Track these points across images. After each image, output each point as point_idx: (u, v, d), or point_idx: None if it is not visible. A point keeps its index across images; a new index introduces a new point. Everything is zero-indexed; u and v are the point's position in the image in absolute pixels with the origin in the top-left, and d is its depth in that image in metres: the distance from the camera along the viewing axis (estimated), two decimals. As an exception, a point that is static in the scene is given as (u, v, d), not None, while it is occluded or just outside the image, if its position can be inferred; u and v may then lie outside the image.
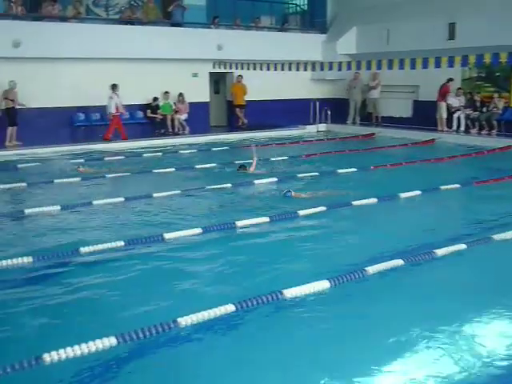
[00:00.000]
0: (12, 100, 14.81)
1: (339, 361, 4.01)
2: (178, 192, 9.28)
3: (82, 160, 12.78)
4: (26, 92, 15.19)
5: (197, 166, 11.75)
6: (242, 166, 11.02)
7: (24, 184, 10.01)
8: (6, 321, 4.73)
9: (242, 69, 18.16)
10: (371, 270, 5.49)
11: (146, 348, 4.21)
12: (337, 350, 4.15)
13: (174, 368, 4.00)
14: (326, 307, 4.87)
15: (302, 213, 7.78)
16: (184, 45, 17.17)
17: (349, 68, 15.58)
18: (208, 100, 19.21)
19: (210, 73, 19.08)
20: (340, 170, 11.28)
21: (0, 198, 9.42)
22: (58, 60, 15.74)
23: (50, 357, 3.86)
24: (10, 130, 14.97)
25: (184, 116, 17.83)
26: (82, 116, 16.65)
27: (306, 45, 19.66)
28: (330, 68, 15.94)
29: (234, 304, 4.67)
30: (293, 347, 4.21)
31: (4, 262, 5.72)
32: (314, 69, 17.49)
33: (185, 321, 4.41)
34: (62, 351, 3.91)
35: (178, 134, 17.53)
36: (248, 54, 18.29)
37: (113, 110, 15.86)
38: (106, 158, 13.27)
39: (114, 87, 15.82)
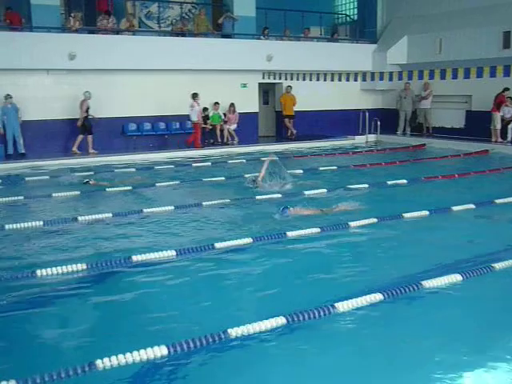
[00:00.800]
0: (87, 110, 15.43)
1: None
2: (228, 201, 9.32)
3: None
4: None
5: (246, 175, 11.78)
6: (254, 181, 10.57)
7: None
8: (59, 326, 4.82)
9: (292, 79, 18.20)
10: (427, 284, 5.37)
11: (194, 357, 4.21)
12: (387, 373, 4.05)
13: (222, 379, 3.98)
14: (377, 321, 4.77)
15: (353, 224, 7.68)
16: (234, 56, 17.32)
17: (400, 78, 15.42)
18: (257, 110, 19.29)
19: (260, 83, 19.18)
20: (390, 182, 11.10)
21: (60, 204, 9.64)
22: (111, 71, 16.12)
23: (103, 363, 3.92)
24: (89, 139, 15.65)
25: (234, 126, 17.95)
26: (134, 126, 16.97)
27: (356, 55, 19.53)
28: (381, 78, 15.81)
29: (285, 317, 4.63)
30: (338, 364, 4.13)
31: (58, 269, 5.84)
32: (364, 79, 17.35)
33: (235, 332, 4.41)
34: (114, 358, 3.96)
35: (227, 144, 17.65)
36: (297, 65, 18.31)
37: (195, 118, 16.35)
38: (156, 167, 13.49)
39: (194, 96, 16.25)
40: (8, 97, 14.82)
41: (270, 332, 4.49)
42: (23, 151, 15.14)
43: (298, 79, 17.90)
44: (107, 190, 10.62)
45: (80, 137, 15.62)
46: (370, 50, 20.07)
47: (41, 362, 4.14)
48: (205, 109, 17.66)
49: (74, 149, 15.54)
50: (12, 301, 5.23)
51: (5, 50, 14.38)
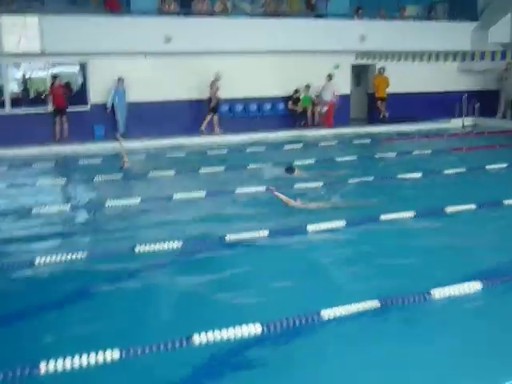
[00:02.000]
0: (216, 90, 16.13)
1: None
2: (322, 184, 9.26)
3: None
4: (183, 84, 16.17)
5: (338, 159, 11.66)
6: (290, 169, 9.96)
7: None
8: (155, 302, 5.01)
9: (386, 60, 17.70)
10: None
11: (287, 338, 4.25)
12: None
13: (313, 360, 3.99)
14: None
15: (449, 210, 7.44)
16: (327, 37, 17.07)
17: (503, 57, 14.60)
18: (349, 92, 18.98)
19: (352, 65, 18.83)
20: (489, 166, 10.62)
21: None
22: (205, 54, 16.38)
23: (200, 338, 4.04)
24: (215, 118, 16.34)
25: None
26: (226, 108, 17.19)
27: (454, 34, 18.65)
28: (482, 58, 15.03)
29: (379, 300, 4.57)
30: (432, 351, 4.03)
31: (155, 246, 6.06)
32: (463, 59, 16.60)
33: (328, 314, 4.41)
34: (210, 334, 4.07)
35: (318, 126, 17.52)
36: (392, 45, 17.78)
37: (329, 98, 16.97)
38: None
39: (329, 77, 17.08)
40: (120, 80, 15.46)
41: (362, 315, 4.45)
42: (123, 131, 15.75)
43: (391, 60, 17.39)
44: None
45: (209, 116, 16.27)
46: (469, 28, 19.11)
47: (142, 334, 4.33)
48: (296, 90, 17.59)
49: (203, 128, 16.16)
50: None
51: (105, 36, 14.97)
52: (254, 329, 4.18)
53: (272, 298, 4.91)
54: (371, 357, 3.94)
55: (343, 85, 18.59)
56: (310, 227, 6.65)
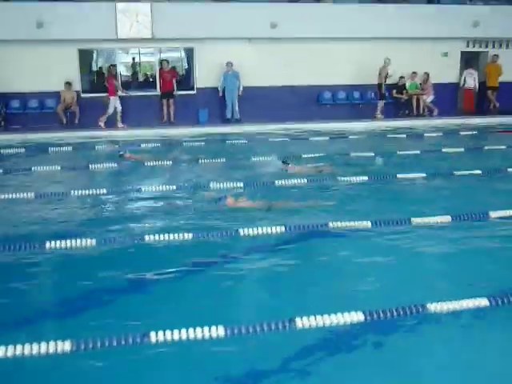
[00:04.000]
0: (386, 77, 16.32)
1: None
2: (423, 175, 9.00)
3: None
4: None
5: (444, 150, 11.26)
6: (285, 162, 9.31)
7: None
8: (260, 284, 5.10)
9: (500, 47, 16.82)
10: None
11: (389, 328, 4.19)
12: None
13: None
14: None
15: None
16: (436, 22, 16.47)
17: None
18: (457, 81, 18.21)
19: (462, 52, 18.04)
20: None
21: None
22: (309, 40, 16.31)
23: (302, 322, 4.07)
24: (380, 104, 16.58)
25: (430, 98, 17.17)
26: (328, 94, 17.07)
27: None
28: None
29: (487, 298, 4.40)
30: None
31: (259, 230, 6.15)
32: None
33: (434, 307, 4.30)
34: (312, 318, 4.09)
35: (423, 116, 16.98)
36: (507, 31, 16.87)
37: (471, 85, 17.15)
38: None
39: (468, 64, 17.04)
40: (229, 64, 15.78)
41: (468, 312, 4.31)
42: (239, 117, 16.07)
43: (506, 47, 16.50)
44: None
45: (381, 102, 16.44)
46: None
47: (246, 314, 4.44)
48: (401, 78, 17.13)
49: (378, 114, 16.42)
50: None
51: (213, 21, 15.29)
52: (356, 317, 4.16)
53: (376, 287, 4.85)
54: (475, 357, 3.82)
55: (451, 73, 17.88)
56: (415, 220, 6.48)
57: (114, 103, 15.15)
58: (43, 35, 14.75)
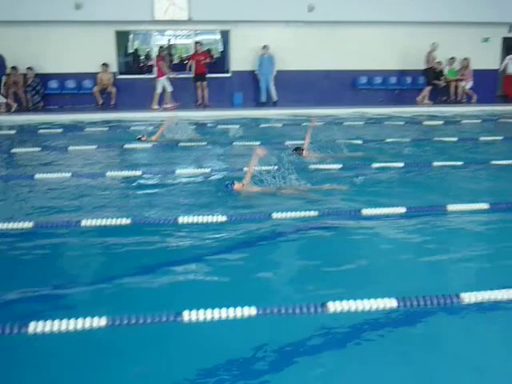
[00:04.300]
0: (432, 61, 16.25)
1: None
2: (461, 163, 8.83)
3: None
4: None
5: (481, 138, 11.03)
6: (298, 149, 8.91)
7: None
8: (290, 267, 5.10)
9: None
10: None
11: (422, 316, 4.15)
12: None
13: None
14: None
15: None
16: (478, 7, 16.08)
17: None
18: (497, 67, 17.78)
19: (504, 38, 17.57)
20: None
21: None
22: (345, 23, 16.11)
23: (334, 306, 4.06)
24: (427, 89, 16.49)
25: (469, 84, 16.81)
26: (364, 79, 16.87)
27: None
28: None
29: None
30: None
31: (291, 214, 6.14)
32: None
33: (468, 297, 4.24)
34: (344, 302, 4.08)
35: (461, 103, 16.65)
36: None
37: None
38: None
39: (509, 51, 16.91)
40: (265, 47, 15.72)
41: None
42: (276, 99, 16.00)
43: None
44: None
45: (427, 88, 16.33)
46: None
47: (277, 296, 4.45)
48: (438, 63, 16.81)
49: (425, 100, 16.31)
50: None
51: (249, 3, 15.21)
52: (389, 303, 4.13)
53: (409, 274, 4.81)
54: None
55: (492, 59, 17.47)
56: (450, 207, 6.38)
57: (163, 83, 15.28)
58: (81, 16, 14.91)
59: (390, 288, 4.45)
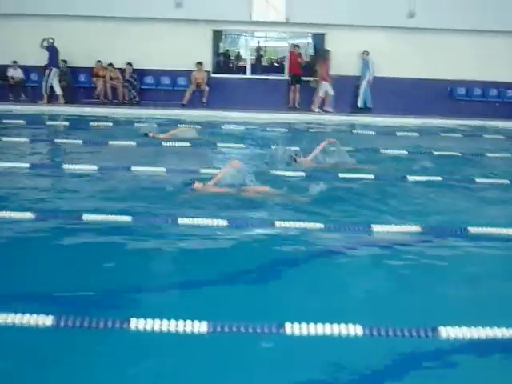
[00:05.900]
0: None
1: None
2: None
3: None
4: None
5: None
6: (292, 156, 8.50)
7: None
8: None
9: None
10: None
11: None
12: None
13: None
14: None
15: None
16: None
17: None
18: None
19: None
20: None
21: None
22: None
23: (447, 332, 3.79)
24: None
25: None
26: (463, 90, 16.20)
27: None
28: None
29: None
30: None
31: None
32: None
33: None
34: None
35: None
36: None
37: None
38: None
39: None
40: (364, 53, 15.56)
41: None
42: (370, 106, 15.76)
43: None
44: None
45: None
46: None
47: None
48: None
49: None
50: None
51: (347, 7, 14.99)
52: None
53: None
54: None
55: None
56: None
57: (325, 88, 15.38)
58: (181, 15, 15.15)
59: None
